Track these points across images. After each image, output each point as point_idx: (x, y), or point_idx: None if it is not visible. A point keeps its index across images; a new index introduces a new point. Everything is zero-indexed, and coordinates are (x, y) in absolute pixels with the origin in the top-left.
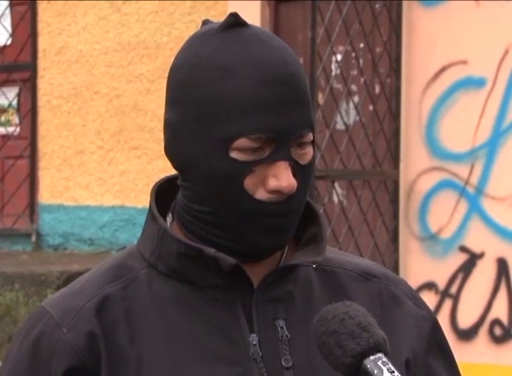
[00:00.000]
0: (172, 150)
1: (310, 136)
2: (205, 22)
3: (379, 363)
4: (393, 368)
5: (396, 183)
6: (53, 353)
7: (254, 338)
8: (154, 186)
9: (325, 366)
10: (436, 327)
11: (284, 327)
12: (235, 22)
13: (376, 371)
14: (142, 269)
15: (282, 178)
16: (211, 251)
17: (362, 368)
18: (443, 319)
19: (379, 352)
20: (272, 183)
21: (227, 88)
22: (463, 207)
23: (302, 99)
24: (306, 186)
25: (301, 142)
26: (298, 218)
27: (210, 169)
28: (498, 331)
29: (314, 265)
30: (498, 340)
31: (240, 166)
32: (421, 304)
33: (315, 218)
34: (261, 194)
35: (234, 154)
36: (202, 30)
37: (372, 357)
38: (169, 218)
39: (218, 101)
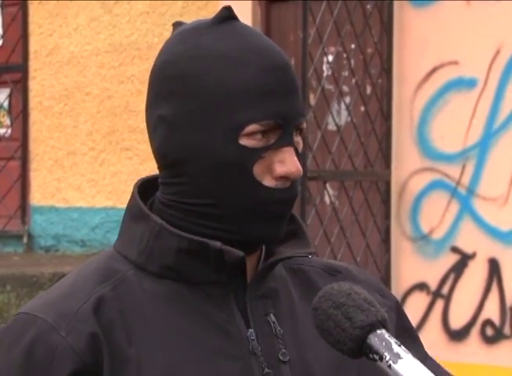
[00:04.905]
0: (167, 146)
1: (305, 124)
2: (178, 23)
3: (385, 336)
4: (399, 342)
5: (388, 184)
6: (53, 358)
7: (252, 333)
8: (136, 187)
9: (316, 360)
10: (401, 313)
11: (276, 323)
12: (229, 15)
13: (384, 343)
14: (129, 270)
15: (290, 163)
16: (217, 244)
17: (366, 342)
18: (435, 320)
19: (384, 327)
20: (280, 169)
21: (233, 75)
22: (455, 207)
23: (297, 87)
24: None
25: (298, 130)
26: None
27: (218, 158)
28: (489, 331)
29: (310, 256)
30: (489, 340)
31: (250, 153)
32: (386, 294)
33: (290, 217)
34: (268, 181)
35: (243, 141)
36: (191, 25)
37: (378, 331)
38: None
39: (225, 89)
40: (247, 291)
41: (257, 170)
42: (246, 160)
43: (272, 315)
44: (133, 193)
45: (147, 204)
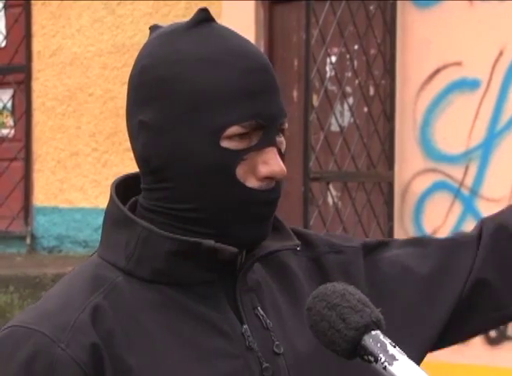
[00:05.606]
0: (149, 151)
1: (287, 124)
2: (155, 27)
3: (380, 337)
4: (394, 343)
5: (391, 185)
6: (54, 372)
7: (246, 330)
8: (113, 189)
9: (304, 348)
10: (360, 252)
11: (264, 315)
12: (206, 17)
13: (378, 344)
14: (118, 277)
15: (273, 163)
16: (211, 242)
17: (361, 344)
18: None
19: (378, 328)
20: (264, 169)
21: (215, 78)
22: (458, 208)
23: (278, 88)
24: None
25: (280, 130)
26: None
27: (201, 161)
28: (493, 333)
29: (298, 248)
30: (493, 341)
31: (232, 155)
32: (339, 248)
33: None
34: (252, 182)
35: (225, 143)
36: (168, 28)
37: (373, 332)
38: None
39: (205, 92)
40: (237, 287)
41: (240, 172)
42: (229, 163)
43: (259, 308)
44: (111, 196)
45: (126, 206)
